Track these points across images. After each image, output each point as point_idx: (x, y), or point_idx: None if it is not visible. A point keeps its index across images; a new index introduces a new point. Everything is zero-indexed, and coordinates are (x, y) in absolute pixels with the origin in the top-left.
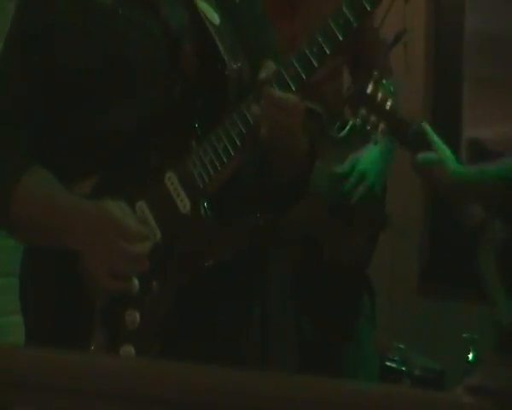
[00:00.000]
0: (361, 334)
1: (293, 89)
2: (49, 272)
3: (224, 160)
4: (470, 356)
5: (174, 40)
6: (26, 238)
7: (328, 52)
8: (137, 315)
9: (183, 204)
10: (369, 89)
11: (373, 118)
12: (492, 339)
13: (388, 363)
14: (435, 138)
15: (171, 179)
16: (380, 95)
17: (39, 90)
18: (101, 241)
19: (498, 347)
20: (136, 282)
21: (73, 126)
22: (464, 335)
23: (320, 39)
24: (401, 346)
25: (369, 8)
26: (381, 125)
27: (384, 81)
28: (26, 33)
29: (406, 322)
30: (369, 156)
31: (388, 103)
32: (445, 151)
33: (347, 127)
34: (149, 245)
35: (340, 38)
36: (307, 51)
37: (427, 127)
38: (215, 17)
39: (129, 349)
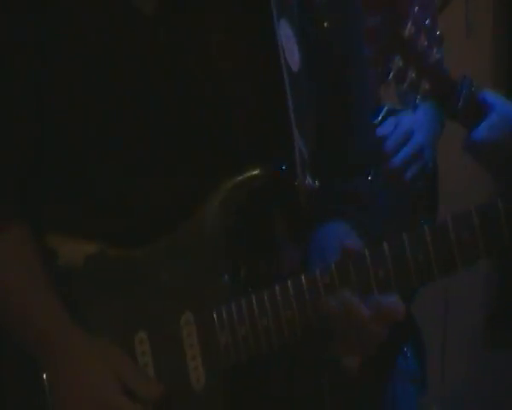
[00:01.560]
0: (401, 400)
1: None
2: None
3: (263, 345)
4: None
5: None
6: None
7: None
8: None
9: (197, 376)
10: (407, 30)
11: (412, 74)
12: None
13: None
14: (498, 105)
15: (188, 327)
16: (422, 40)
17: (28, 110)
18: (99, 398)
19: None
20: None
21: (65, 167)
22: None
23: None
24: None
25: None
26: (423, 85)
27: (427, 22)
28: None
29: (470, 381)
30: (412, 117)
31: (434, 54)
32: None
33: (382, 113)
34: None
35: None
36: None
37: (488, 92)
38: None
39: None
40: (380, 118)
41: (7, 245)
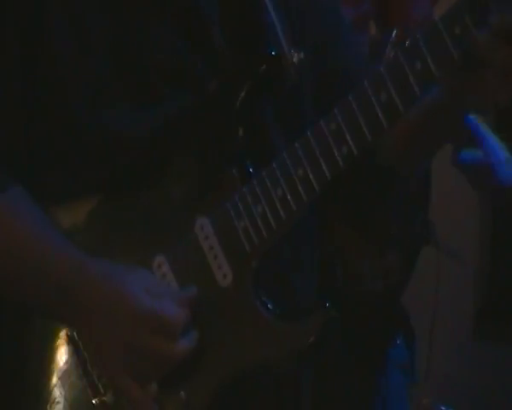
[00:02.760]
0: (392, 390)
1: None
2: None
3: (282, 215)
4: None
5: (201, 17)
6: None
7: None
8: None
9: (223, 273)
10: (394, 34)
11: None
12: None
13: None
14: (483, 130)
15: (204, 231)
16: None
17: (22, 78)
18: (128, 337)
19: None
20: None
21: (65, 126)
22: None
23: None
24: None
25: None
26: None
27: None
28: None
29: (457, 376)
30: None
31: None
32: (496, 149)
33: None
34: (194, 339)
35: None
36: None
37: (473, 118)
38: None
39: None
40: None
41: (9, 203)
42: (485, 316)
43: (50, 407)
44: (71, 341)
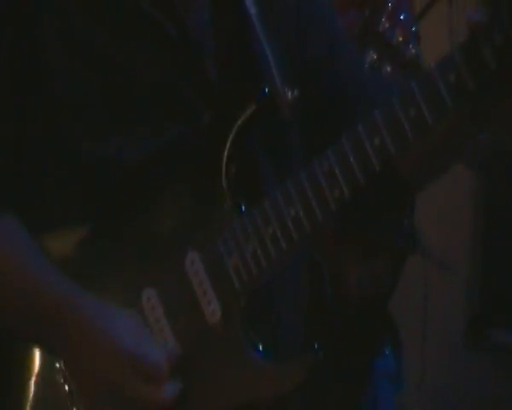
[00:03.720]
0: (380, 400)
1: None
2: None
3: (273, 254)
4: None
5: (194, 52)
6: None
7: None
8: None
9: (211, 310)
10: (381, 25)
11: (387, 67)
12: None
13: None
14: None
15: (194, 266)
16: (398, 35)
17: (18, 106)
18: (112, 378)
19: None
20: None
21: (59, 155)
22: None
23: None
24: None
25: None
26: None
27: (402, 17)
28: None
29: (448, 384)
30: None
31: (410, 49)
32: None
33: None
34: (178, 385)
35: None
36: None
37: None
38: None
39: None
40: None
41: (1, 230)
42: (477, 325)
43: None
44: (60, 371)
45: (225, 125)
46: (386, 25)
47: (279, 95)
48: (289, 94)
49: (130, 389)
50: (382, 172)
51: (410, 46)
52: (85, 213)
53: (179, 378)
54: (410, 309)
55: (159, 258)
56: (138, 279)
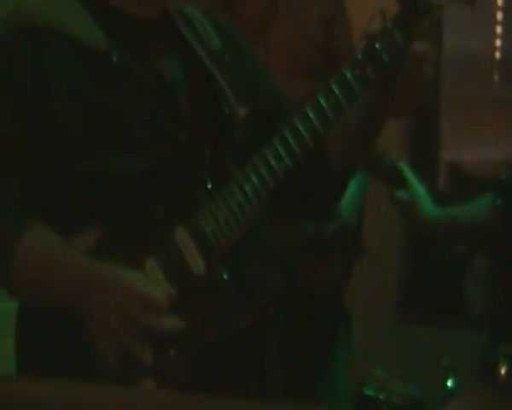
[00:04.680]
0: (337, 364)
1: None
2: (49, 324)
3: (239, 217)
4: (449, 383)
5: (169, 90)
6: (30, 298)
7: None
8: (154, 383)
9: (197, 265)
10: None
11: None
12: (471, 365)
13: (366, 391)
14: (410, 177)
15: (182, 237)
16: None
17: (36, 142)
18: (124, 313)
19: (477, 374)
20: (150, 351)
21: (71, 176)
22: (443, 361)
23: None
24: (380, 374)
25: None
26: None
27: None
28: (20, 87)
29: (385, 349)
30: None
31: None
32: (420, 192)
33: None
34: (176, 319)
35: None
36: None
37: (403, 165)
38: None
39: None
40: None
41: (34, 238)
42: (405, 306)
43: None
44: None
45: (197, 140)
46: None
47: (235, 114)
48: (242, 112)
49: (140, 320)
50: (315, 159)
51: None
52: (92, 216)
53: (175, 317)
54: (355, 298)
55: (156, 236)
56: (141, 254)
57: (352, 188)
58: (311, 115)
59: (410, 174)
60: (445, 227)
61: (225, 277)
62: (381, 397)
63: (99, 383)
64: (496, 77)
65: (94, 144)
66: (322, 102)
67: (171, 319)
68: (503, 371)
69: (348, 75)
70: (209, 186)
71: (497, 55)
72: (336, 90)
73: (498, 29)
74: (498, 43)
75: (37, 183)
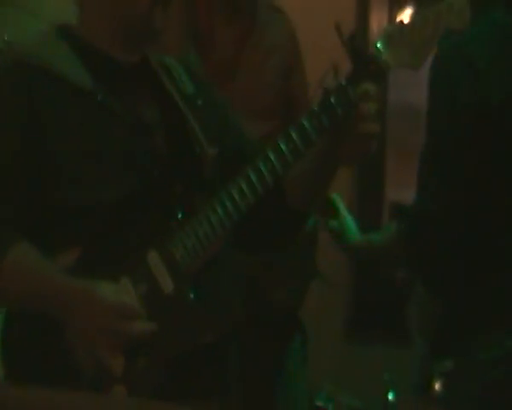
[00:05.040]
0: (293, 372)
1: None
2: (34, 332)
3: (205, 245)
4: (390, 396)
5: (146, 129)
6: (15, 306)
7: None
8: (124, 390)
9: (167, 285)
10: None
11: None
12: (409, 381)
13: (317, 402)
14: (340, 207)
15: (154, 259)
16: None
17: (22, 166)
18: (99, 324)
19: (415, 388)
20: (122, 360)
21: (56, 202)
22: (385, 377)
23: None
24: (329, 387)
25: None
26: None
27: None
28: (12, 117)
29: (334, 365)
30: None
31: None
32: (347, 221)
33: None
34: (144, 325)
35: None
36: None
37: (336, 196)
38: (197, 102)
39: None
40: None
41: (19, 254)
42: (352, 326)
43: None
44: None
45: (169, 175)
46: None
47: (205, 153)
48: (211, 151)
49: (114, 327)
50: (274, 199)
51: None
52: (74, 238)
53: (145, 321)
54: (309, 314)
55: (130, 258)
56: (116, 273)
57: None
58: (271, 157)
59: (341, 205)
60: (363, 250)
61: (192, 296)
62: (329, 408)
63: (74, 389)
64: None
65: (77, 174)
66: (282, 146)
67: (141, 323)
68: (437, 386)
69: (306, 124)
70: (179, 216)
71: None
72: (295, 137)
73: None
74: None
75: (24, 206)
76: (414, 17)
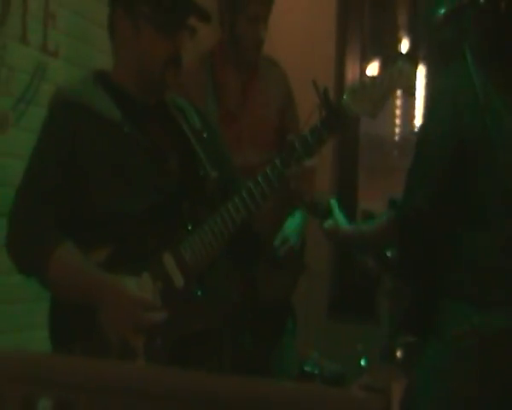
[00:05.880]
0: (286, 345)
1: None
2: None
3: (209, 250)
4: (362, 362)
5: (162, 155)
6: (58, 294)
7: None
8: (144, 362)
9: (178, 281)
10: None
11: None
12: (378, 351)
13: (306, 368)
14: (335, 208)
15: (168, 260)
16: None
17: (66, 180)
18: (123, 310)
19: (381, 356)
20: (142, 339)
21: (92, 210)
22: (358, 347)
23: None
24: (315, 355)
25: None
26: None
27: None
28: (59, 143)
29: (319, 338)
30: (291, 224)
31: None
32: (341, 218)
33: None
34: (160, 314)
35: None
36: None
37: (333, 201)
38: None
39: None
40: None
41: (64, 252)
42: (334, 307)
43: None
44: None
45: (180, 193)
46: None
47: (208, 175)
48: (213, 174)
49: (136, 316)
50: (247, 227)
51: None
52: (105, 239)
53: (160, 313)
54: (300, 298)
55: (150, 258)
56: (138, 269)
57: (296, 220)
58: (260, 182)
59: (336, 207)
60: (353, 237)
61: (199, 292)
62: (316, 372)
63: (106, 359)
64: (395, 152)
65: (107, 190)
66: (269, 173)
67: (157, 312)
68: (398, 354)
69: (268, 172)
70: (189, 227)
71: (396, 137)
72: (279, 165)
73: (397, 121)
74: (397, 130)
75: (67, 213)
76: (373, 78)
